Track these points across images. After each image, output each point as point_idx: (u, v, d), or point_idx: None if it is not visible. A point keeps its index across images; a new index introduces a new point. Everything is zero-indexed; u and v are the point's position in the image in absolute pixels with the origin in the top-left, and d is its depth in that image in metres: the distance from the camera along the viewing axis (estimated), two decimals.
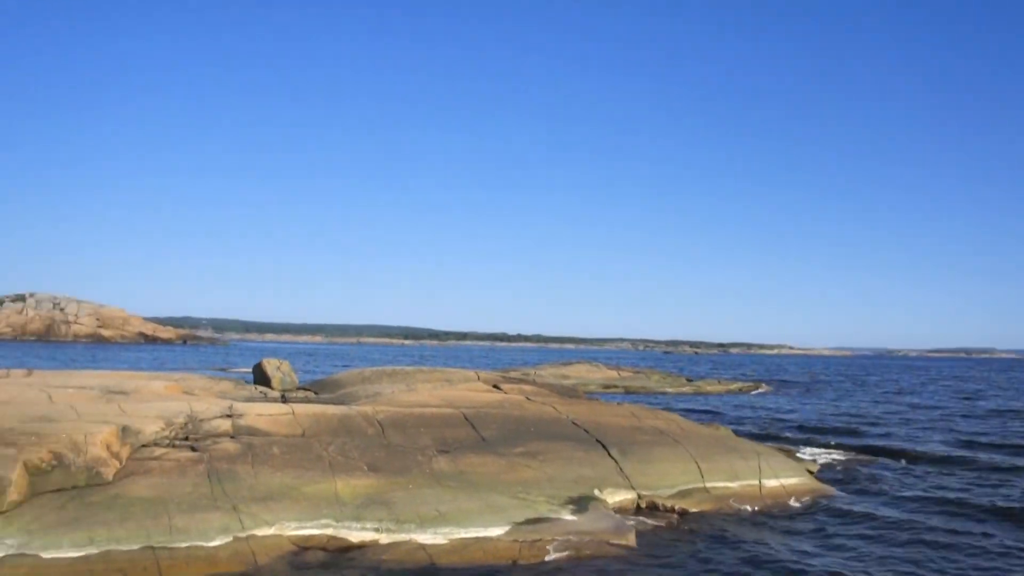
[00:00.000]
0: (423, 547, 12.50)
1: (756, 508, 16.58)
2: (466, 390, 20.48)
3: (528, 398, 20.19)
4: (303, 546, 12.30)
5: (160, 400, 17.14)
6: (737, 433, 23.46)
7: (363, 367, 24.67)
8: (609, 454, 16.74)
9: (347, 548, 12.44)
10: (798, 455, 22.16)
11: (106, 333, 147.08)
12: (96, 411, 15.49)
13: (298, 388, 22.26)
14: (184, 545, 11.67)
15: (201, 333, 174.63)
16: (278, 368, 22.37)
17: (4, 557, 11.15)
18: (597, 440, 17.29)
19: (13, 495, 12.29)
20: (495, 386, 21.70)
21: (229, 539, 11.91)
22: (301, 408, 16.61)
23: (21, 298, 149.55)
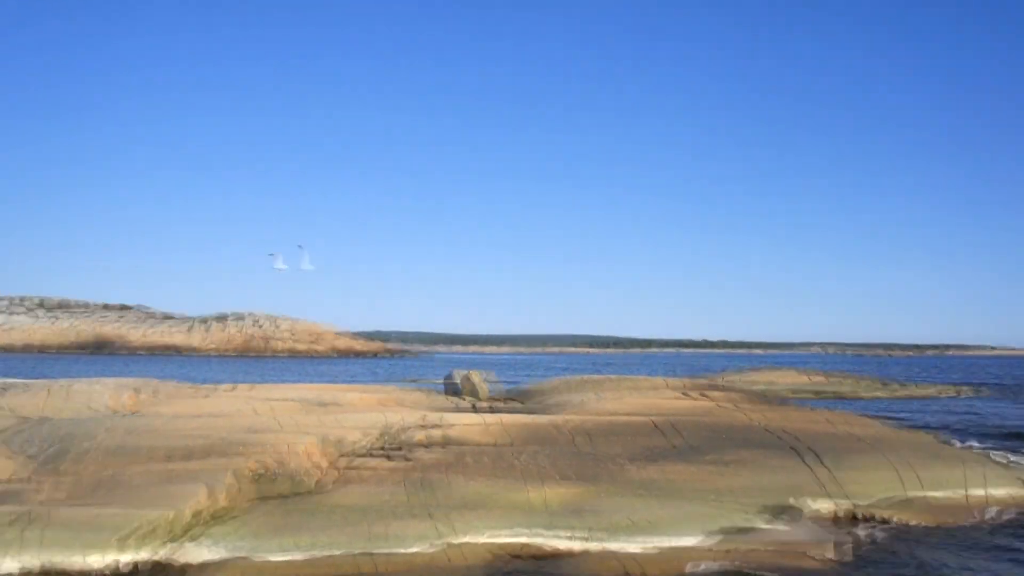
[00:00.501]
0: (616, 555, 12.46)
1: (962, 520, 15.62)
2: (655, 398, 20.37)
3: (718, 405, 19.88)
4: (498, 554, 12.45)
5: (359, 412, 17.75)
6: (941, 440, 22.31)
7: (550, 377, 24.85)
8: (804, 461, 16.26)
9: (541, 556, 12.53)
10: (1011, 464, 20.91)
11: (307, 348, 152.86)
12: (299, 422, 16.21)
13: (488, 399, 22.63)
14: (383, 552, 12.04)
15: (393, 346, 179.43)
16: (468, 379, 22.80)
17: (218, 560, 11.83)
18: (791, 447, 16.83)
19: (226, 502, 13.02)
20: (683, 393, 21.47)
21: (426, 546, 12.20)
22: (492, 418, 16.88)
23: (224, 317, 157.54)
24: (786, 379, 55.56)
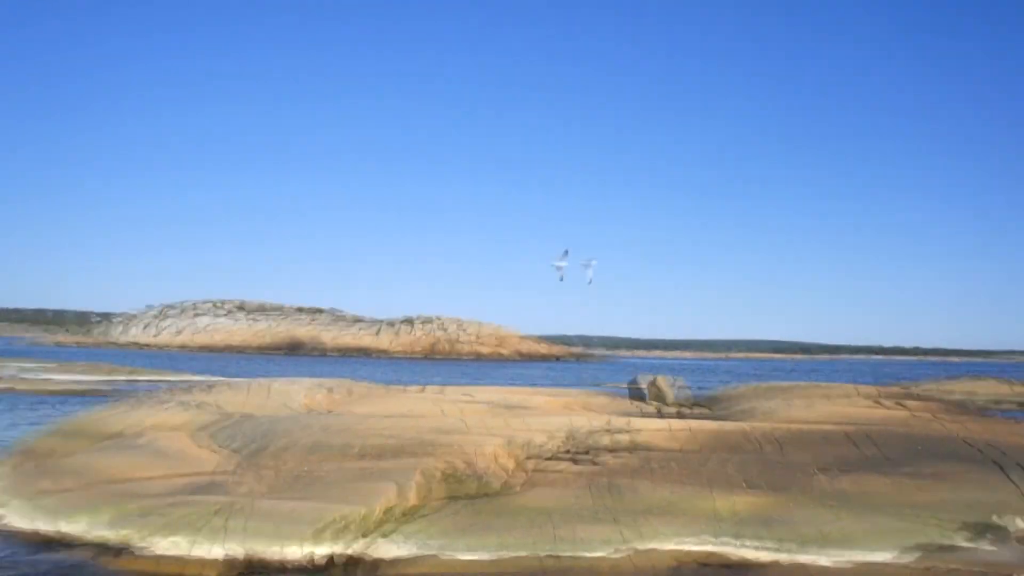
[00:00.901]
0: (806, 568, 12.11)
1: None
2: (846, 406, 19.70)
3: (914, 415, 19.04)
4: (684, 561, 12.31)
5: (545, 415, 17.88)
6: None
7: (736, 382, 24.41)
8: (1009, 478, 15.31)
9: (727, 565, 12.31)
10: None
11: (491, 351, 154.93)
12: (485, 424, 16.47)
13: (674, 404, 22.42)
14: (568, 555, 12.10)
15: (576, 350, 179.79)
16: (654, 384, 22.66)
17: (407, 557, 12.17)
18: (994, 461, 15.90)
19: (414, 500, 13.38)
20: (877, 402, 20.67)
21: (611, 551, 12.18)
22: (679, 423, 16.72)
23: (411, 320, 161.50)
24: (987, 389, 52.65)
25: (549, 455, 15.24)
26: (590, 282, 29.67)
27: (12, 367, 62.07)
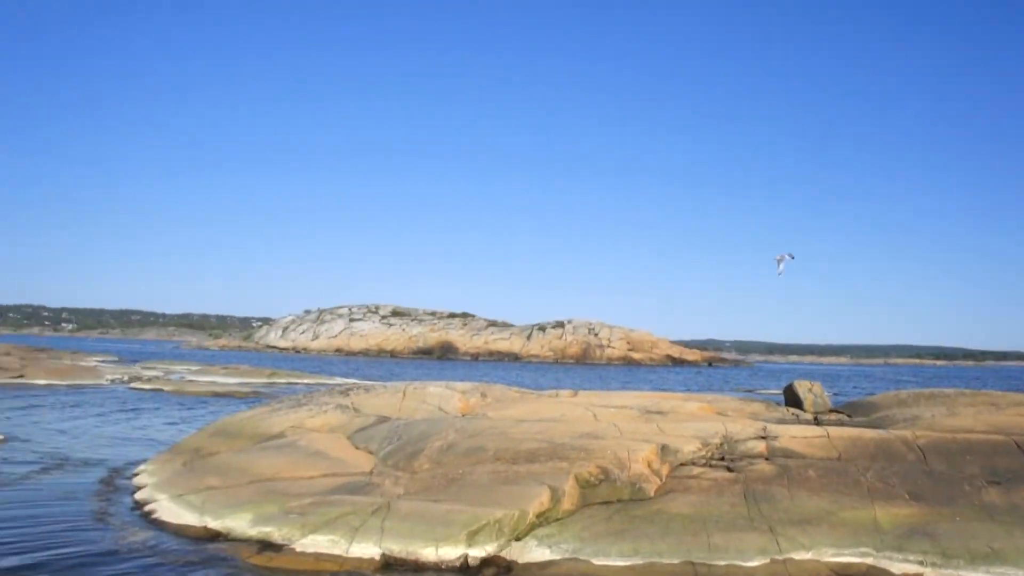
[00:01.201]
0: None
1: None
2: (1015, 415, 18.70)
3: None
4: (841, 574, 11.93)
5: (695, 420, 17.62)
6: None
7: (895, 389, 23.55)
8: None
9: None
10: None
11: (635, 356, 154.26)
12: (636, 430, 16.32)
13: (830, 410, 21.75)
14: (722, 563, 11.86)
15: (725, 355, 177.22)
16: (809, 390, 22.02)
17: (558, 560, 12.16)
18: None
19: (567, 504, 13.36)
20: None
21: (766, 560, 11.90)
22: (836, 431, 16.19)
23: (561, 324, 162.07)
24: None
25: (703, 461, 15.00)
26: (780, 274, 30.41)
27: (178, 370, 65.09)
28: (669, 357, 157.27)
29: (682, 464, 14.84)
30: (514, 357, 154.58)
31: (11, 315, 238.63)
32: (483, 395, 21.41)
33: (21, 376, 51.17)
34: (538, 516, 12.99)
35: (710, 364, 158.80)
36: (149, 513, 15.38)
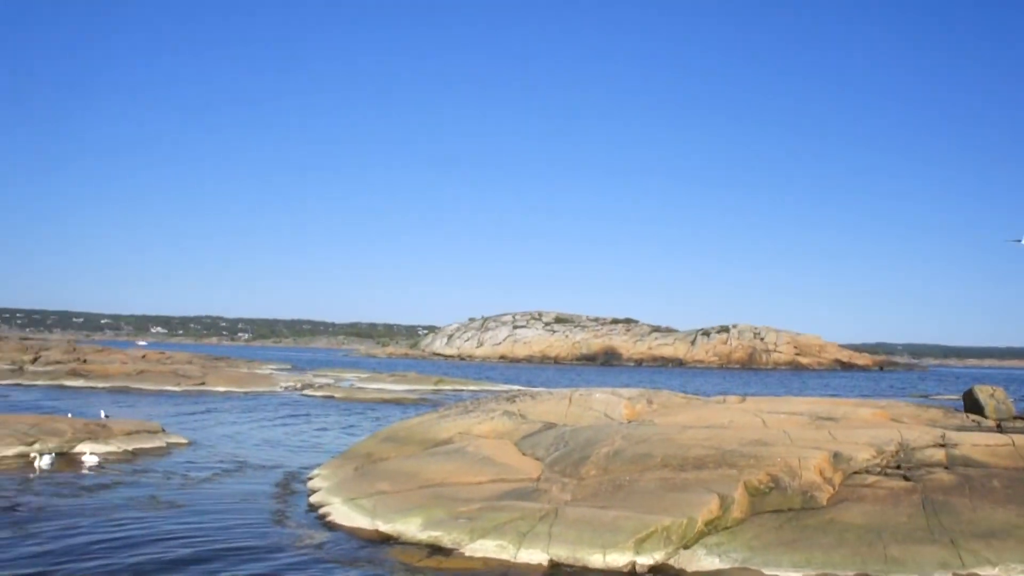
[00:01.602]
0: None
1: None
2: None
3: None
4: None
5: (868, 427, 17.06)
6: None
7: None
8: None
9: None
10: None
11: (803, 360, 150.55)
12: (807, 436, 15.92)
13: (1014, 417, 20.68)
14: None
15: (897, 359, 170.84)
16: (991, 395, 20.97)
17: (727, 570, 12.01)
18: None
19: (736, 512, 13.16)
20: None
21: (948, 575, 11.46)
22: (1021, 439, 15.41)
23: (726, 329, 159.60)
24: None
25: (877, 469, 14.50)
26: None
27: (348, 377, 67.12)
28: (838, 361, 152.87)
29: (855, 472, 14.39)
30: (678, 362, 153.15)
31: (192, 325, 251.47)
32: (649, 401, 21.28)
33: (203, 384, 53.84)
34: (707, 524, 12.84)
35: (881, 368, 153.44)
36: (323, 516, 15.96)
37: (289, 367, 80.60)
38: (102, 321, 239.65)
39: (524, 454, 17.32)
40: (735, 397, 22.63)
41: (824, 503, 13.34)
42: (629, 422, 19.08)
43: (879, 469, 14.56)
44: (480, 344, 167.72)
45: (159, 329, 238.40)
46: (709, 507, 13.04)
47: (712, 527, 12.84)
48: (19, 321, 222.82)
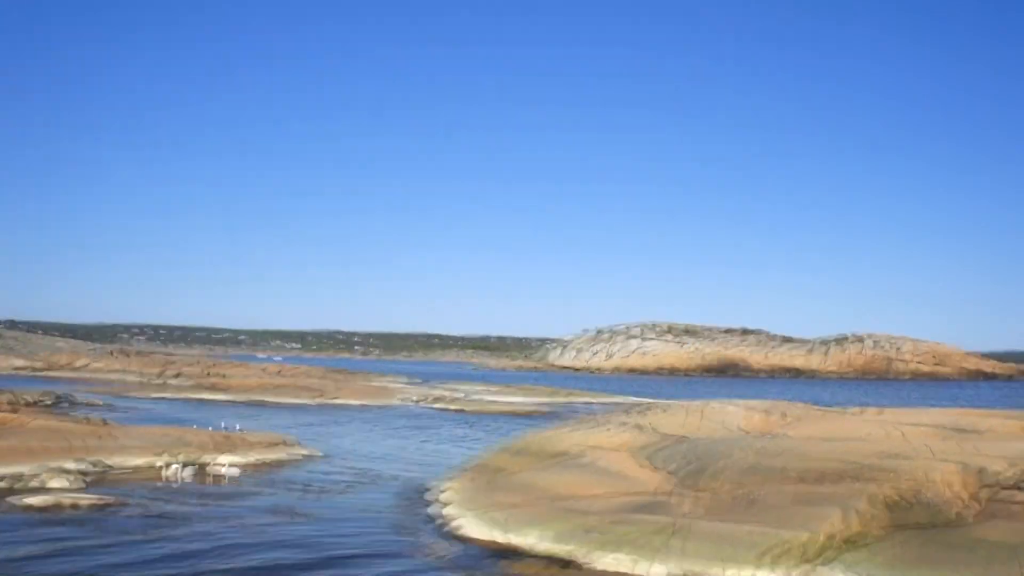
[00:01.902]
0: None
1: None
2: None
3: None
4: None
5: (1002, 439, 16.34)
6: None
7: None
8: None
9: None
10: None
11: (939, 370, 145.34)
12: (949, 450, 15.27)
13: None
14: None
15: None
16: None
17: None
18: None
19: (873, 528, 12.76)
20: None
21: None
22: None
23: (858, 339, 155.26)
24: None
25: (1010, 484, 13.78)
26: None
27: (474, 390, 67.59)
28: (977, 371, 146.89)
29: (1003, 488, 13.71)
30: (807, 373, 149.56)
31: (325, 341, 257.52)
32: (783, 414, 20.77)
33: (333, 397, 55.04)
34: (828, 539, 12.54)
35: (1018, 377, 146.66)
36: (451, 527, 16.12)
37: (417, 380, 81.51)
38: (240, 338, 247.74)
39: (654, 467, 17.14)
40: (872, 409, 21.96)
41: (952, 519, 12.85)
42: (761, 435, 18.67)
43: (1014, 483, 13.87)
44: (604, 356, 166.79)
45: (293, 344, 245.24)
46: (831, 521, 12.75)
47: (833, 542, 12.52)
48: (162, 337, 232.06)
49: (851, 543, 12.47)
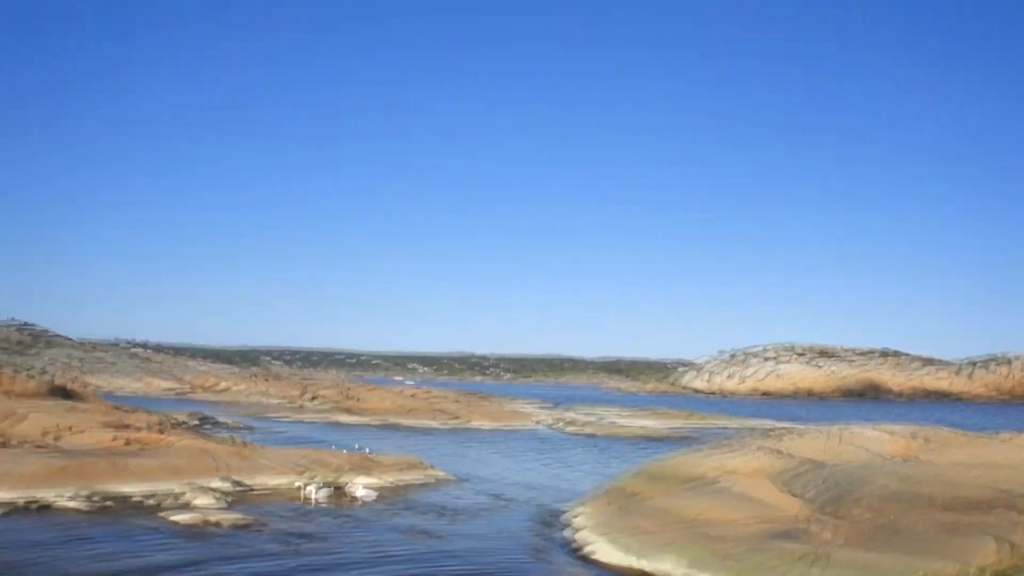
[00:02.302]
0: None
1: None
2: None
3: None
4: None
5: None
6: None
7: None
8: None
9: None
10: None
11: None
12: None
13: None
14: None
15: None
16: None
17: None
18: None
19: (1010, 559, 12.13)
20: None
21: None
22: None
23: (1006, 360, 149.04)
24: None
25: None
26: None
27: (605, 414, 67.37)
28: None
29: None
30: (951, 396, 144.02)
31: (457, 364, 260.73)
32: (926, 439, 20.04)
33: (465, 420, 55.56)
34: (980, 571, 12.01)
35: None
36: (586, 551, 16.12)
37: (549, 404, 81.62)
38: (374, 361, 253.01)
39: (792, 493, 16.79)
40: (1009, 432, 20.99)
41: None
42: (901, 460, 18.07)
43: None
44: (737, 379, 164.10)
45: (424, 369, 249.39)
46: (984, 552, 12.32)
47: (984, 574, 11.91)
48: (299, 361, 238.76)
49: (1003, 574, 11.95)
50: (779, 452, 19.88)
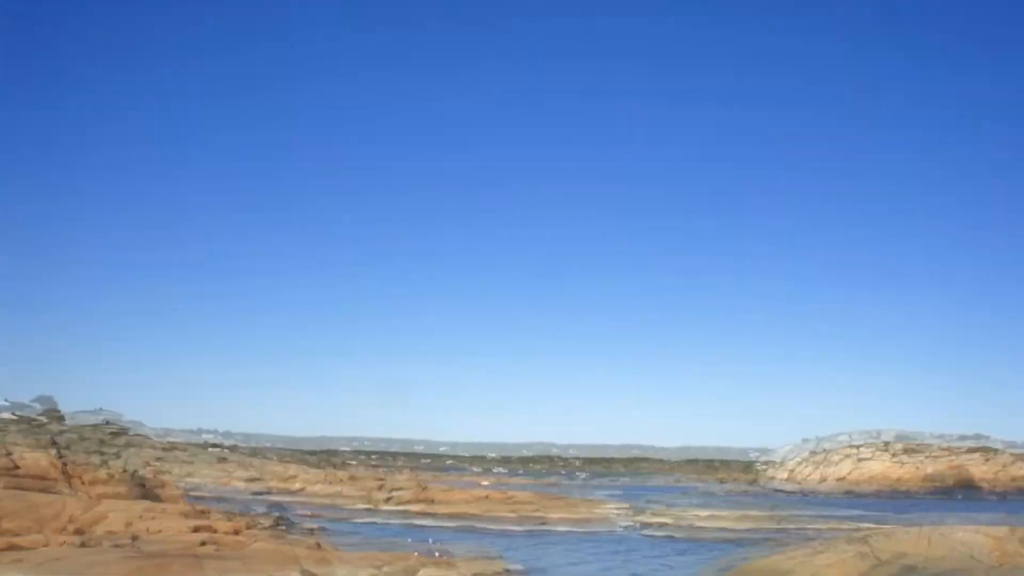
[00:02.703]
0: None
1: None
2: None
3: None
4: None
5: None
6: None
7: None
8: None
9: None
10: None
11: None
12: None
13: None
14: None
15: None
16: None
17: None
18: None
19: None
20: None
21: None
22: None
23: None
24: None
25: None
26: None
27: (672, 512, 66.04)
28: None
29: None
30: None
31: (531, 462, 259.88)
32: (1021, 541, 19.25)
33: (544, 519, 54.97)
34: None
35: None
36: None
37: (625, 504, 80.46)
38: (447, 460, 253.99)
39: None
40: None
41: None
42: (999, 564, 17.35)
43: None
44: (820, 476, 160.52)
45: (500, 469, 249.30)
46: None
47: None
48: (374, 460, 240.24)
49: None
50: (864, 554, 19.37)
